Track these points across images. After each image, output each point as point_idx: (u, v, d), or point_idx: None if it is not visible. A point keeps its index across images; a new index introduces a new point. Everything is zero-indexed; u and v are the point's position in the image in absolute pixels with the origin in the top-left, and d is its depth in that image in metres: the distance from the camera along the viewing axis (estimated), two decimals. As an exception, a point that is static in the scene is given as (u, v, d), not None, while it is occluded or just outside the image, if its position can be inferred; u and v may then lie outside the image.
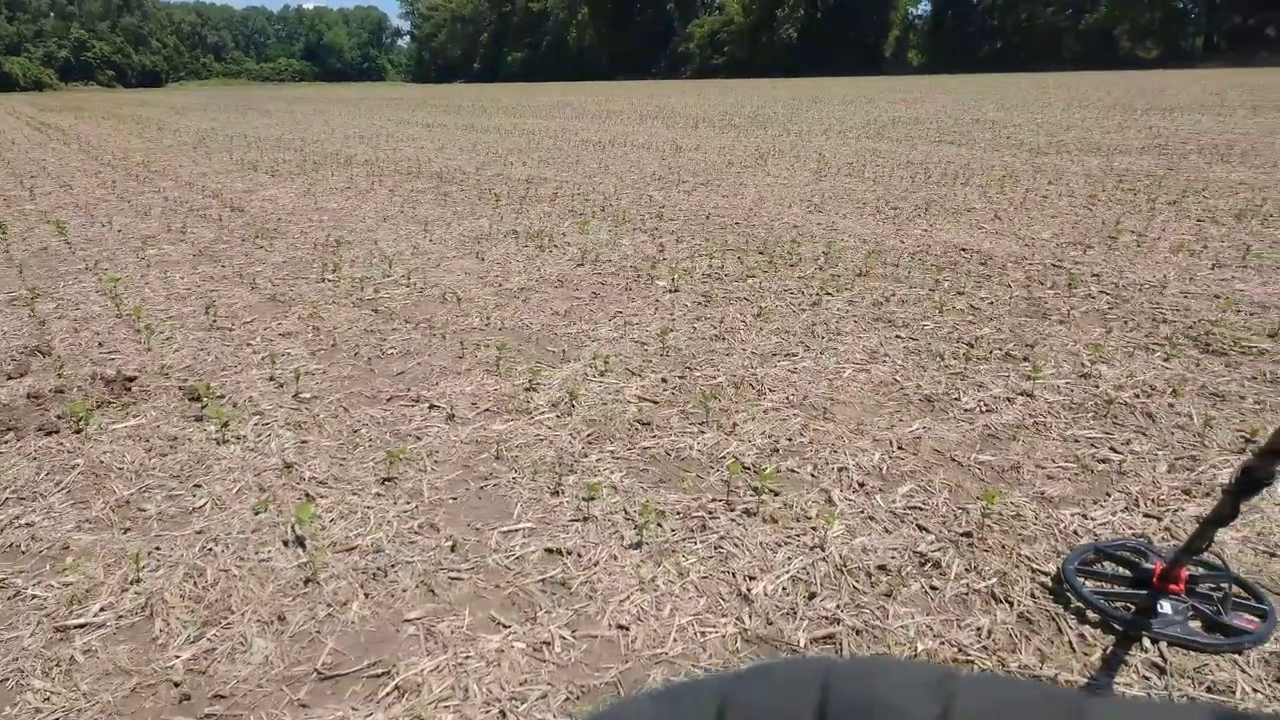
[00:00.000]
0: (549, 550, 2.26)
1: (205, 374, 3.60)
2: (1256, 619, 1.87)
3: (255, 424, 3.08)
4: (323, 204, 8.08)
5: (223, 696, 1.77)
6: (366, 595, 2.08)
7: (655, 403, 3.22)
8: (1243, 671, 1.77)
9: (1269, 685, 1.73)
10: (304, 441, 2.93)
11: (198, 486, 2.63)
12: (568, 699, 1.74)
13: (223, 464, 2.77)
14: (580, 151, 12.47)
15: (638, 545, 2.26)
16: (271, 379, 3.53)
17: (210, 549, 2.28)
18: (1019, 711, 0.24)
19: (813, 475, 2.64)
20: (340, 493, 2.57)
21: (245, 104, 32.47)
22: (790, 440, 2.88)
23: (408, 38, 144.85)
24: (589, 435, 2.94)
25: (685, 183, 8.95)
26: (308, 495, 2.55)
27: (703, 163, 10.71)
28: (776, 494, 2.52)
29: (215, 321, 4.36)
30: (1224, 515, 1.66)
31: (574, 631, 1.94)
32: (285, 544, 2.30)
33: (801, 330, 4.01)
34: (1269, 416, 2.92)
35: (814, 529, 2.33)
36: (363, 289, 4.94)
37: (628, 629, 1.94)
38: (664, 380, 3.44)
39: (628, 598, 2.05)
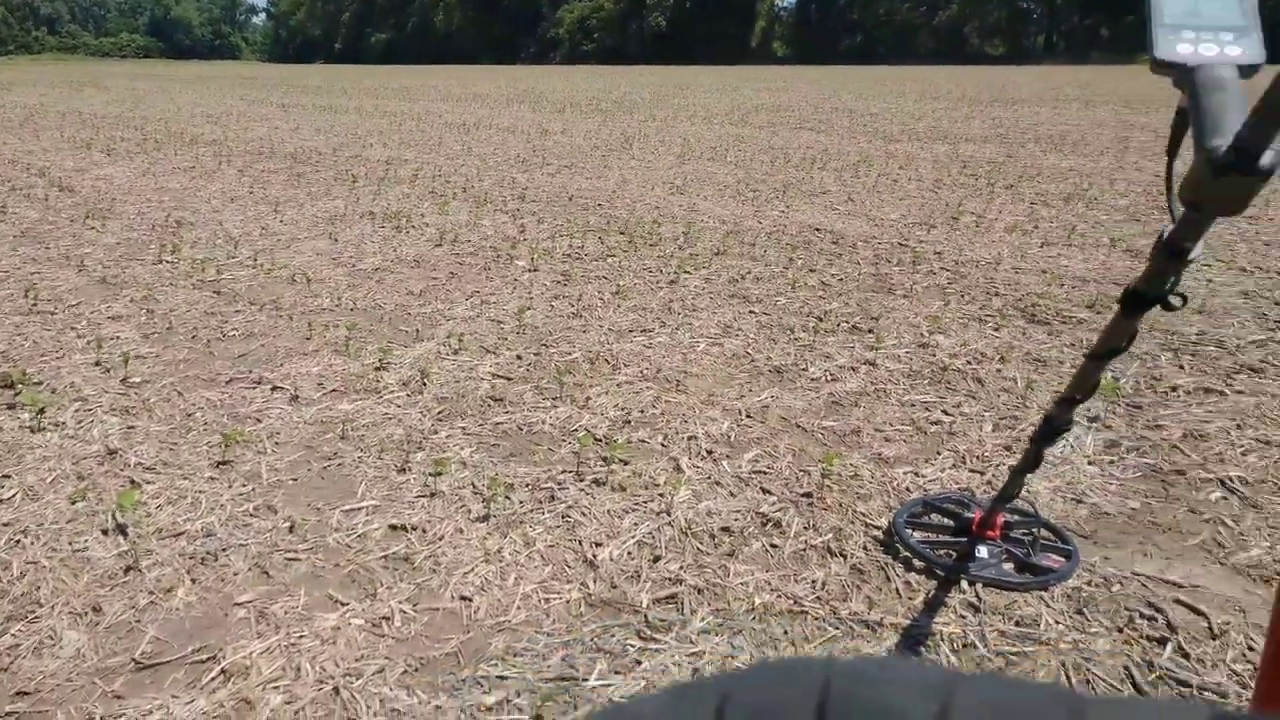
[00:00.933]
0: (393, 527, 2.21)
1: (21, 360, 3.34)
2: (1062, 559, 2.01)
3: (76, 410, 2.89)
4: (164, 184, 7.63)
5: (27, 693, 1.65)
6: (193, 581, 1.98)
7: (509, 379, 3.19)
8: (1047, 606, 1.89)
9: (1070, 616, 1.86)
10: (131, 427, 2.76)
11: (6, 477, 2.44)
12: (406, 671, 1.71)
13: (37, 453, 2.58)
14: (443, 134, 12.20)
15: (485, 518, 2.24)
16: (98, 364, 3.31)
17: (18, 541, 2.12)
18: (1019, 713, 0.24)
19: (663, 445, 2.67)
20: (169, 478, 2.43)
21: (82, 80, 30.26)
22: (643, 412, 2.91)
23: (263, 15, 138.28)
24: (439, 413, 2.89)
25: (549, 165, 8.89)
26: (132, 482, 2.41)
27: (568, 146, 10.66)
28: (626, 464, 2.54)
29: (35, 305, 4.05)
30: (1030, 463, 1.77)
31: (415, 605, 1.90)
32: (105, 533, 2.16)
33: (658, 307, 4.05)
34: (1083, 378, 3.14)
35: (661, 495, 2.36)
36: (204, 270, 4.69)
37: (471, 600, 1.92)
38: (519, 357, 3.41)
39: (472, 570, 2.03)
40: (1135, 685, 1.69)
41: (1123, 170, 8.20)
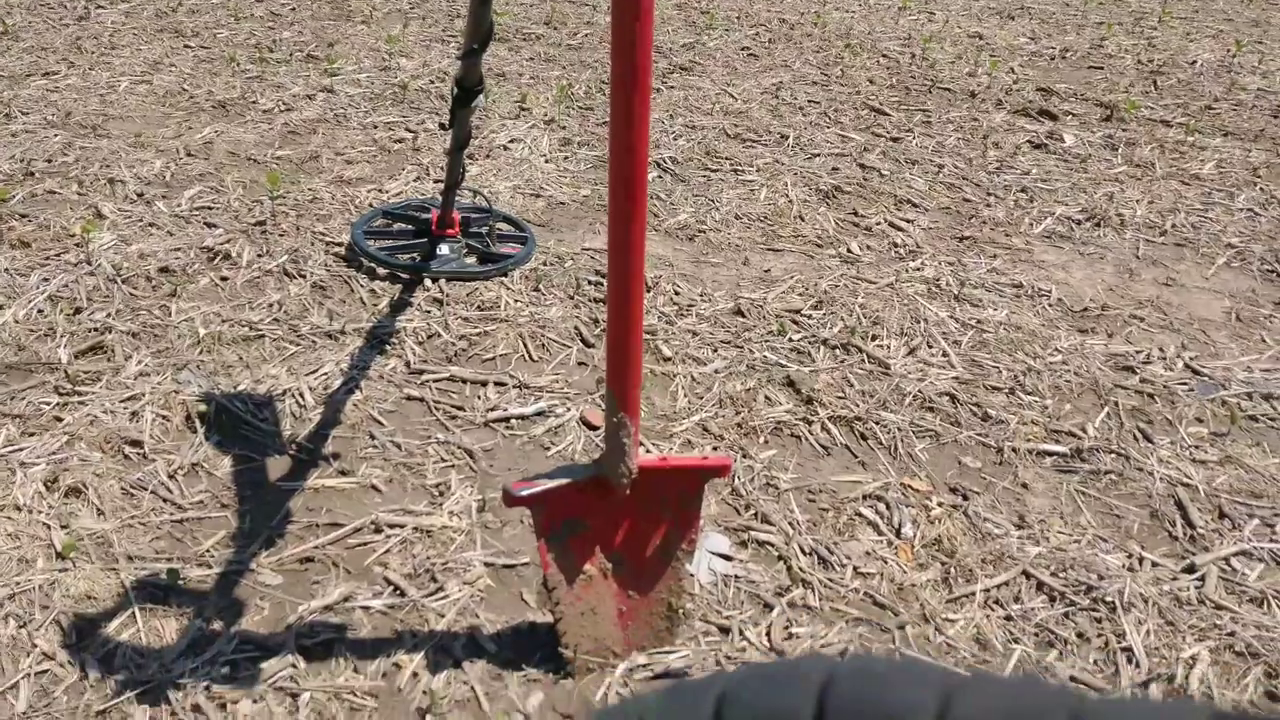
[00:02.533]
0: None
1: None
2: (519, 245, 2.09)
3: None
4: None
5: None
6: None
7: None
8: (507, 289, 1.97)
9: (527, 294, 1.97)
10: None
11: None
12: None
13: None
14: None
15: None
16: None
17: None
18: (1018, 713, 0.24)
19: (79, 194, 2.24)
20: None
21: None
22: (50, 161, 2.40)
23: None
24: None
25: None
26: None
27: None
28: (27, 217, 2.08)
29: None
30: (460, 139, 1.75)
31: None
32: None
33: (64, 46, 3.31)
34: (540, 86, 3.22)
35: (79, 245, 1.99)
36: None
37: None
38: None
39: None
40: (584, 340, 1.85)
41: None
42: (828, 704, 0.25)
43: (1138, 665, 1.29)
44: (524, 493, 1.08)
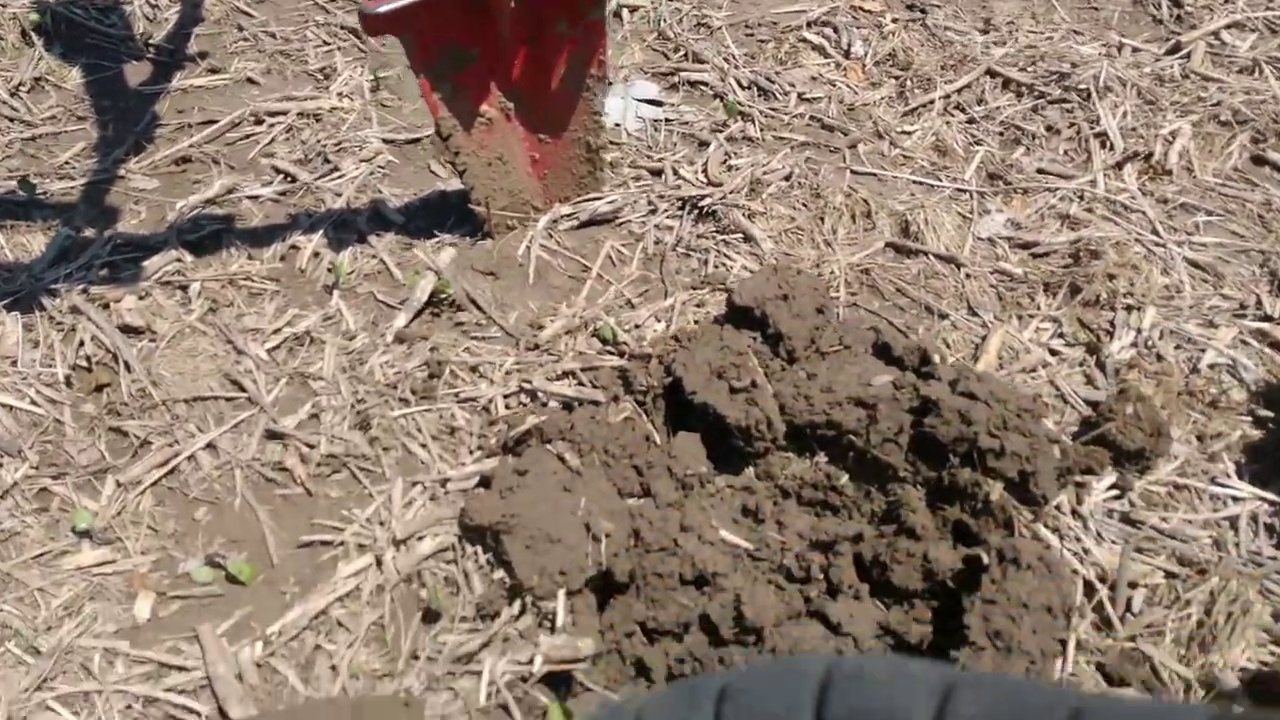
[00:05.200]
0: None
1: None
2: None
3: None
4: None
5: None
6: None
7: None
8: None
9: None
10: None
11: None
12: None
13: None
14: None
15: None
16: None
17: None
18: (1018, 712, 0.24)
19: None
20: None
21: None
22: None
23: None
24: None
25: None
26: None
27: None
28: None
29: None
30: None
31: None
32: None
33: None
34: None
35: None
36: None
37: None
38: None
39: None
40: None
41: None
42: (826, 704, 0.26)
43: (1111, 148, 1.17)
44: (383, 9, 0.89)
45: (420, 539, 0.80)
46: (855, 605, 0.77)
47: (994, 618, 0.70)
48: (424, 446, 0.87)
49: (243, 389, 0.92)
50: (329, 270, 1.04)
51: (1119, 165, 1.14)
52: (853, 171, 1.16)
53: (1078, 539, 0.78)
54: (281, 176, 1.17)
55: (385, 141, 1.21)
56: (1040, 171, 1.15)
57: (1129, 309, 0.96)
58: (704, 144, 1.20)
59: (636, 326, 0.96)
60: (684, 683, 0.29)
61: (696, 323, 0.96)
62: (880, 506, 0.82)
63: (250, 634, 0.76)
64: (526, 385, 0.90)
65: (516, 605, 0.74)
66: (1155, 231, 1.05)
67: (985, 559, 0.74)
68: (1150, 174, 1.13)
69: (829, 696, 0.26)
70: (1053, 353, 0.94)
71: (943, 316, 0.98)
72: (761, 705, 0.26)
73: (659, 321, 0.97)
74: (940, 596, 0.76)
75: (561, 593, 0.74)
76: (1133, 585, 0.75)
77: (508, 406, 0.90)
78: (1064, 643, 0.70)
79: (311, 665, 0.74)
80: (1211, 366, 0.91)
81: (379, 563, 0.79)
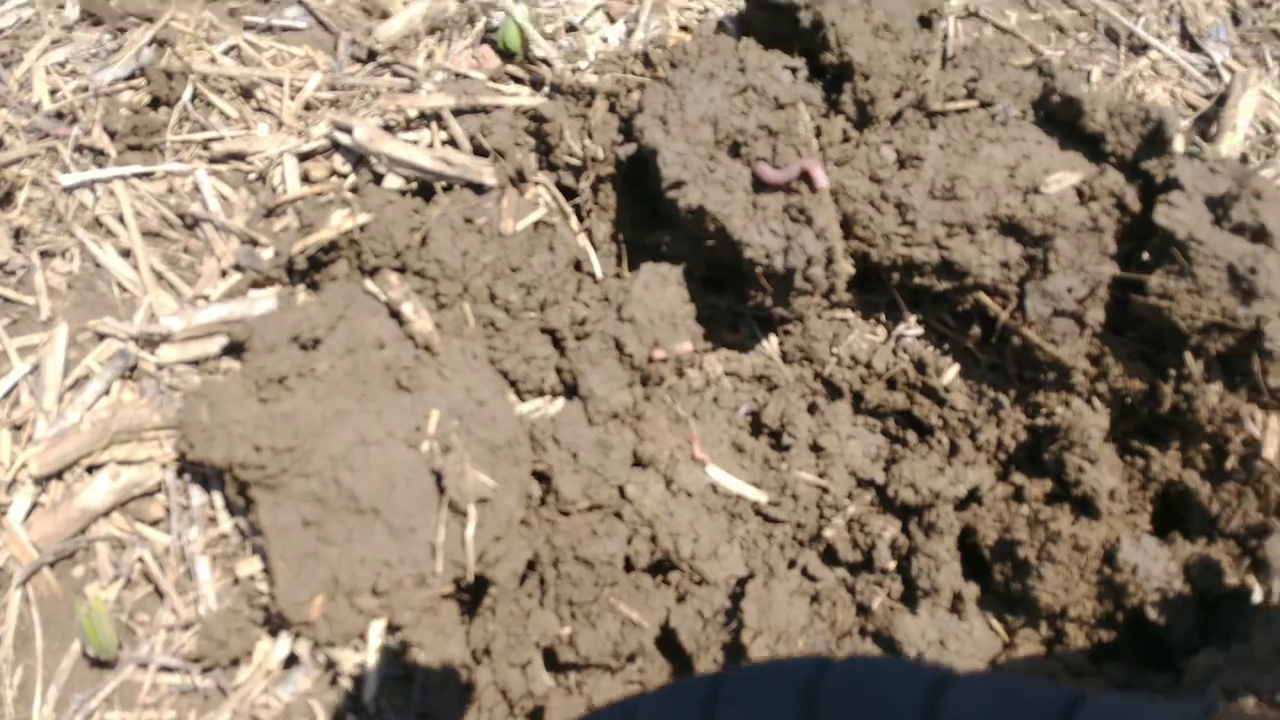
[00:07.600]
0: None
1: None
2: None
3: None
4: None
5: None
6: None
7: None
8: None
9: None
10: None
11: None
12: None
13: None
14: None
15: None
16: None
17: None
18: (1011, 710, 0.23)
19: None
20: None
21: None
22: None
23: None
24: None
25: None
26: None
27: None
28: None
29: None
30: None
31: None
32: None
33: None
34: None
35: None
36: None
37: None
38: None
39: None
40: None
41: None
42: (818, 703, 0.24)
43: None
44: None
45: (79, 480, 0.39)
46: (958, 626, 0.40)
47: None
48: (126, 253, 0.44)
49: None
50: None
51: None
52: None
53: None
54: None
55: None
56: None
57: None
58: None
59: (571, 28, 0.50)
60: (676, 684, 0.26)
61: (685, 29, 0.50)
62: (1020, 436, 0.42)
63: None
64: (343, 137, 0.45)
65: (272, 650, 0.35)
66: None
67: (1258, 594, 0.36)
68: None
69: (819, 697, 0.25)
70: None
71: (1139, 48, 0.53)
72: (753, 707, 0.25)
73: (614, 23, 0.51)
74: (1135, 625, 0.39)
75: (376, 627, 0.36)
76: None
77: (305, 180, 0.46)
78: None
79: None
80: None
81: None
